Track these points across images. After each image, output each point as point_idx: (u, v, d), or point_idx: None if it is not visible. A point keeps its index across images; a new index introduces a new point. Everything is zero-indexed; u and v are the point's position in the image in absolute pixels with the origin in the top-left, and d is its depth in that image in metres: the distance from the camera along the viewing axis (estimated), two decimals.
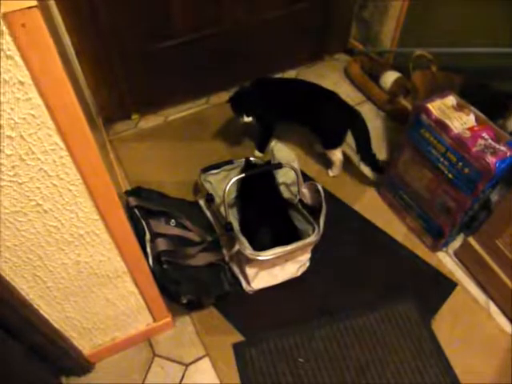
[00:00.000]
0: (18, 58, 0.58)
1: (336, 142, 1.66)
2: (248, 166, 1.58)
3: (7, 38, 0.56)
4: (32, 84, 0.62)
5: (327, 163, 1.76)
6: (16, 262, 0.88)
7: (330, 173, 1.76)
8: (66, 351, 1.17)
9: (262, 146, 1.80)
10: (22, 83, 0.61)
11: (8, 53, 0.57)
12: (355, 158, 1.77)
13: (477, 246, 1.42)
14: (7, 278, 0.90)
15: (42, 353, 1.11)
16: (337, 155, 1.69)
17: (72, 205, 0.83)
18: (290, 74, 2.19)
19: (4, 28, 0.55)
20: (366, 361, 1.28)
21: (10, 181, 0.73)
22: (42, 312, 1.04)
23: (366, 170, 1.74)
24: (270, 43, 2.05)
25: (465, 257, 1.49)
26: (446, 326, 1.36)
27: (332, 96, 1.64)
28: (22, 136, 0.67)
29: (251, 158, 1.64)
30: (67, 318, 1.11)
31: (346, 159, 1.78)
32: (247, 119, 1.67)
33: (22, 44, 0.57)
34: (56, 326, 1.10)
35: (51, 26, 0.79)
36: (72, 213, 0.85)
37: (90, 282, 1.03)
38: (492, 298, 1.42)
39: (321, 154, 1.78)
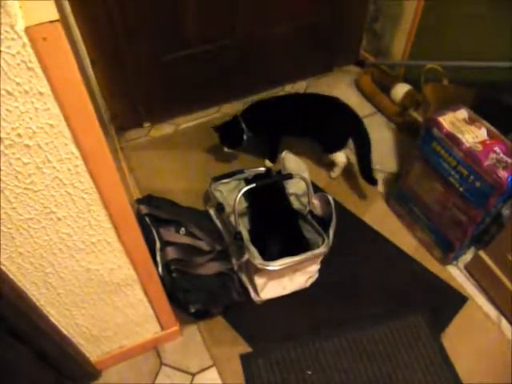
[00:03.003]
0: (38, 70, 0.60)
1: (340, 144, 1.68)
2: (259, 177, 1.58)
3: (29, 50, 0.57)
4: (51, 95, 0.63)
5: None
6: (28, 268, 0.89)
7: (332, 174, 1.78)
8: (73, 358, 1.17)
9: (273, 156, 1.81)
10: (41, 94, 0.62)
11: (29, 65, 0.59)
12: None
13: (488, 260, 1.40)
14: (19, 284, 0.91)
15: (49, 359, 1.11)
16: (340, 158, 1.71)
17: (85, 213, 0.84)
18: (301, 85, 2.20)
19: (26, 41, 0.56)
20: (374, 374, 1.27)
21: (26, 188, 0.74)
22: (51, 318, 1.04)
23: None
24: (281, 55, 2.07)
25: (475, 271, 1.48)
26: (456, 340, 1.34)
27: (333, 100, 1.67)
28: (39, 145, 0.69)
29: (261, 168, 1.65)
30: (76, 325, 1.11)
31: (354, 172, 1.79)
32: (228, 150, 1.73)
33: (43, 56, 0.58)
34: (65, 332, 1.11)
35: (69, 36, 0.81)
36: (85, 221, 0.86)
37: (99, 289, 1.04)
38: (503, 313, 1.40)
39: (330, 165, 1.79)
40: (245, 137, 1.70)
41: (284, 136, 1.79)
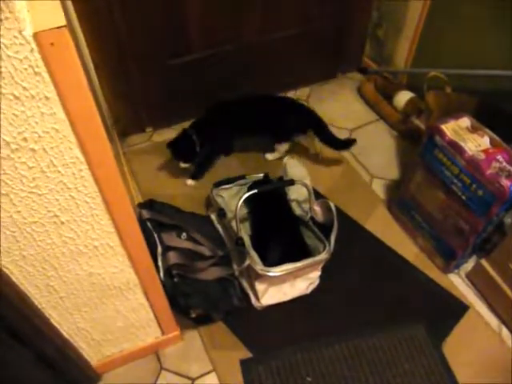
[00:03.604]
0: (45, 75, 0.60)
1: (288, 137, 1.82)
2: (260, 183, 1.59)
3: (36, 55, 0.58)
4: (57, 99, 0.64)
5: (337, 178, 1.78)
6: (31, 271, 0.89)
7: (269, 157, 1.87)
8: (74, 361, 1.17)
9: (200, 174, 1.82)
10: (47, 98, 0.63)
11: (36, 69, 0.59)
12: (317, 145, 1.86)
13: (489, 269, 1.40)
14: (21, 287, 0.91)
15: (50, 362, 1.11)
16: (284, 147, 1.84)
17: (88, 217, 0.85)
18: (304, 91, 2.21)
19: (34, 46, 0.57)
20: (374, 382, 1.26)
21: (30, 192, 0.75)
22: (53, 322, 1.05)
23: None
24: (284, 60, 2.08)
25: (477, 279, 1.47)
26: (457, 349, 1.34)
27: (282, 98, 1.82)
28: (44, 149, 0.69)
29: (260, 174, 1.65)
30: (77, 329, 1.11)
31: (356, 179, 1.79)
32: (184, 165, 1.72)
33: (50, 61, 0.59)
34: (66, 335, 1.11)
35: (75, 41, 0.81)
36: (88, 225, 0.86)
37: (101, 293, 1.04)
38: (504, 322, 1.40)
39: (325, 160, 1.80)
40: (198, 149, 1.68)
41: (236, 140, 1.87)
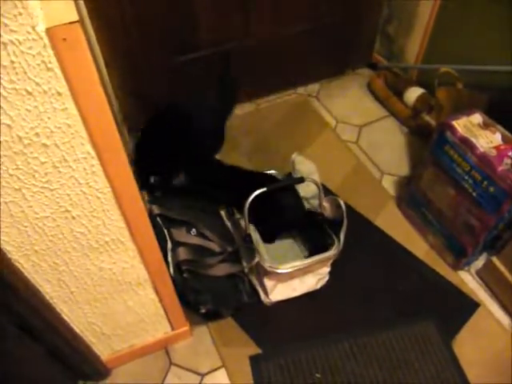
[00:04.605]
0: (57, 70, 0.61)
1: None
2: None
3: (49, 50, 0.58)
4: (69, 95, 0.64)
5: (347, 174, 1.77)
6: (42, 266, 0.90)
7: None
8: (84, 356, 1.19)
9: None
10: (59, 94, 0.63)
11: (49, 65, 0.60)
12: None
13: (500, 267, 1.39)
14: (33, 282, 0.92)
15: (60, 356, 1.12)
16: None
17: (99, 212, 0.85)
18: (313, 87, 2.20)
19: (46, 42, 0.57)
20: (383, 379, 1.26)
21: (42, 187, 0.75)
22: (64, 316, 1.05)
23: None
24: (293, 57, 2.07)
25: (488, 277, 1.46)
26: (467, 347, 1.33)
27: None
28: (56, 144, 0.70)
29: (272, 171, 1.64)
30: (88, 324, 1.12)
31: (366, 176, 1.78)
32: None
33: (63, 57, 0.59)
34: (77, 330, 1.12)
35: (87, 37, 0.82)
36: (99, 220, 0.87)
37: (112, 288, 1.05)
38: None
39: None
40: (179, 180, 1.58)
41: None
